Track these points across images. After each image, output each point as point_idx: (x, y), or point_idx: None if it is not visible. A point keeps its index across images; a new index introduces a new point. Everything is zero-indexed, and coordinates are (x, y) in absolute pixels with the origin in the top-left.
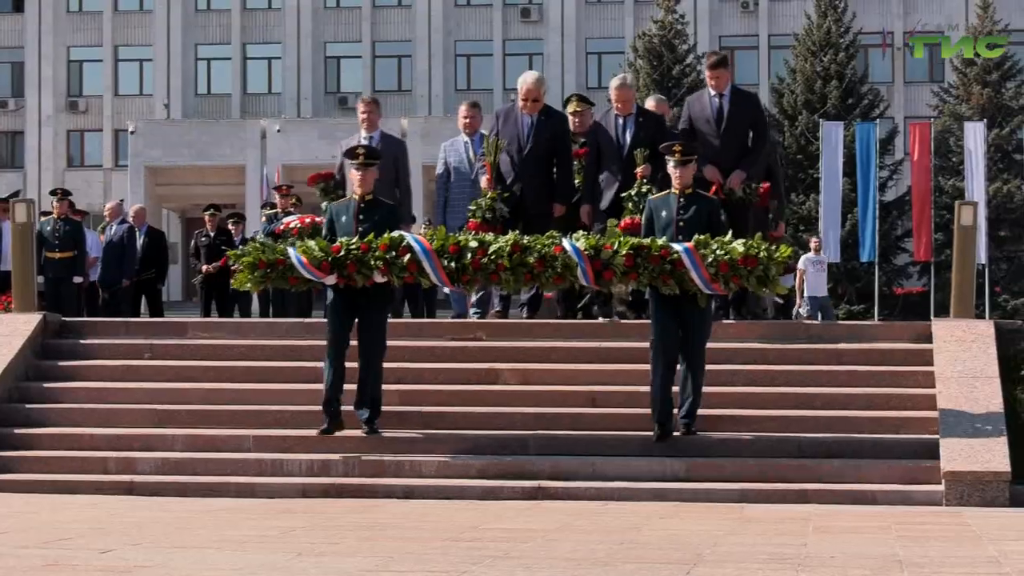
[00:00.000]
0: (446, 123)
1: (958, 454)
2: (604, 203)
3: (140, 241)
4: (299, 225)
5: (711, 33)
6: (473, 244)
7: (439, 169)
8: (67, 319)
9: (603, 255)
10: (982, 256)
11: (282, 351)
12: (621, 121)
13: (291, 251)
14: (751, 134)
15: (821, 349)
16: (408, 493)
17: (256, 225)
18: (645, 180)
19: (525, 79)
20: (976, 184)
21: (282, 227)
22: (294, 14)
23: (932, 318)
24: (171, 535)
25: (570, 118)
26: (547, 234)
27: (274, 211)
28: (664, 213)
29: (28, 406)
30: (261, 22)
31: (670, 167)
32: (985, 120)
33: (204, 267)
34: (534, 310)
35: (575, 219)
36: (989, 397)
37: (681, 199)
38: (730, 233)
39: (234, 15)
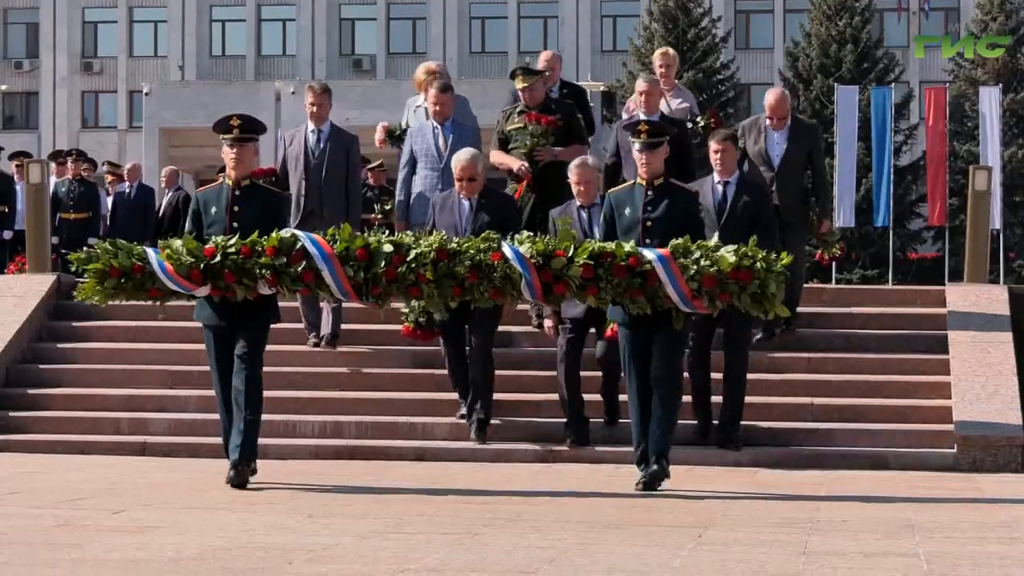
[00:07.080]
0: (460, 86)
1: (971, 419)
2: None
3: (166, 202)
4: None
5: None
6: (388, 248)
7: (404, 158)
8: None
9: (554, 264)
10: (996, 221)
11: (294, 312)
12: (585, 215)
13: (151, 255)
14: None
15: (835, 314)
16: (420, 455)
17: None
18: None
19: (459, 157)
20: (991, 149)
21: None
22: None
23: (946, 283)
24: (183, 496)
25: (521, 95)
26: (483, 236)
27: None
28: (628, 210)
29: (41, 367)
30: None
31: (635, 151)
32: (1000, 85)
33: None
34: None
35: None
36: (1002, 362)
37: (649, 192)
38: (716, 237)
39: None
